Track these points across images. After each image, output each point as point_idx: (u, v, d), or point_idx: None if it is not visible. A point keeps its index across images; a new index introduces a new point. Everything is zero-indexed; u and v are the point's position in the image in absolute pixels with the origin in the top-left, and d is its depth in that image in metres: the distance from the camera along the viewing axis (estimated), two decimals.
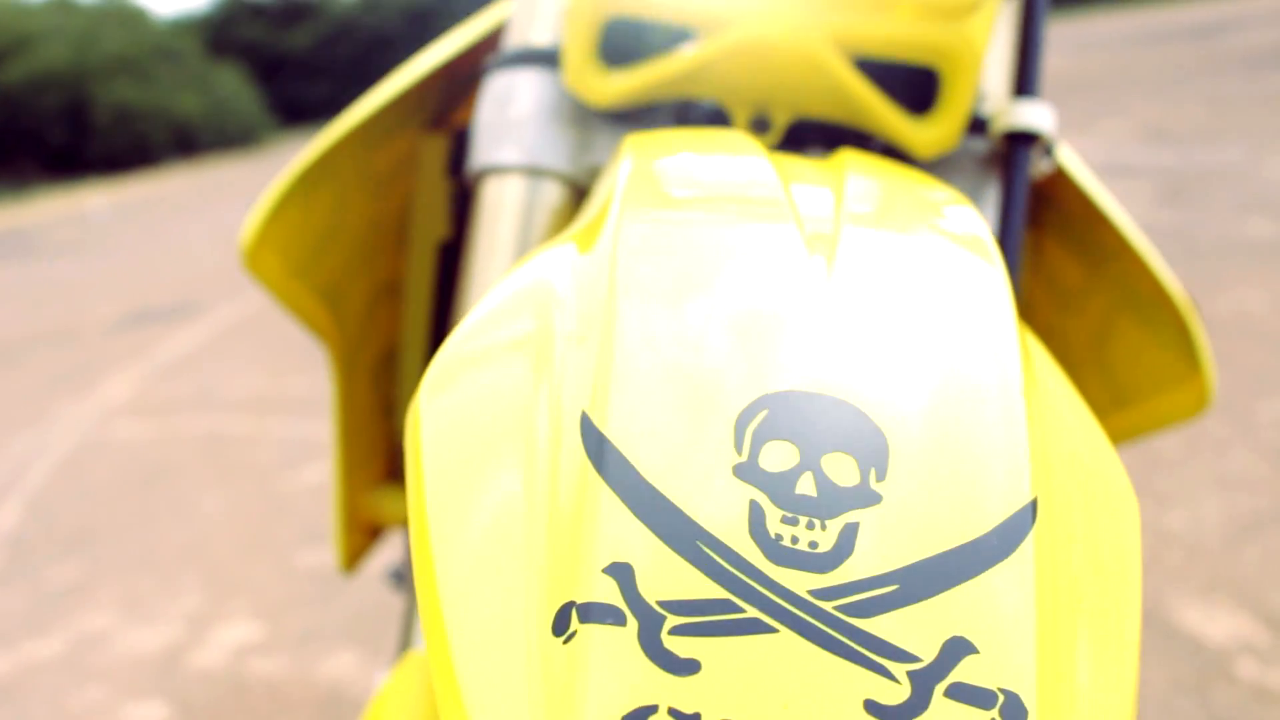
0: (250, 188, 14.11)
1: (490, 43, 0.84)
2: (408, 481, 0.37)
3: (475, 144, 0.72)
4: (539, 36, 0.71)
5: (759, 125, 0.66)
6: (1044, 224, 0.80)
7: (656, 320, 0.38)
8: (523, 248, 0.68)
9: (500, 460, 0.36)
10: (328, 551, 2.63)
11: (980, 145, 0.70)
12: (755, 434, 0.35)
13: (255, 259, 0.81)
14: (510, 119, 0.69)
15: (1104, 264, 0.77)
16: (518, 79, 0.69)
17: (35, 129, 22.32)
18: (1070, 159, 0.75)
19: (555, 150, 0.69)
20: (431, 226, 0.91)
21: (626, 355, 0.37)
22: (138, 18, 26.17)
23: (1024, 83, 0.68)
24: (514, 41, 0.72)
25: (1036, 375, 0.40)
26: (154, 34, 25.52)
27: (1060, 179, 0.75)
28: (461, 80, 0.89)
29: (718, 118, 0.68)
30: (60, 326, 6.21)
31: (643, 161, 0.48)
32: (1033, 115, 0.66)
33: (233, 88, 24.91)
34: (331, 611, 2.34)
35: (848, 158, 0.53)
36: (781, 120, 0.66)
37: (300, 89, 30.39)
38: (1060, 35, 16.04)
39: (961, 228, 0.46)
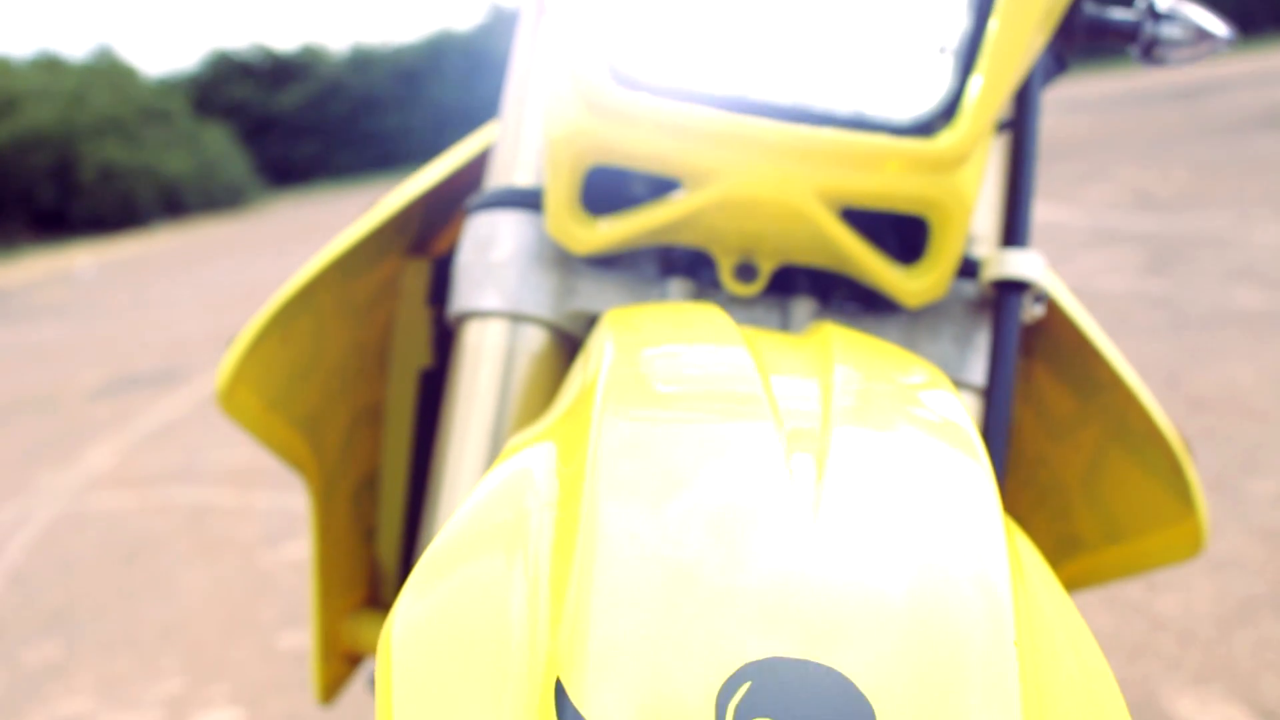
0: (237, 249, 14.15)
1: (474, 169, 0.83)
2: (378, 706, 0.36)
3: (457, 286, 0.71)
4: (521, 177, 0.70)
5: (745, 272, 0.65)
6: (1034, 351, 0.80)
7: (638, 537, 0.37)
8: (504, 392, 0.67)
9: (470, 710, 0.35)
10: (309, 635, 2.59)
11: (970, 289, 0.69)
12: (738, 712, 0.33)
13: (231, 399, 0.80)
14: (492, 262, 0.69)
15: (1095, 395, 0.77)
16: (499, 221, 0.69)
17: (22, 189, 22.34)
18: (1059, 289, 0.75)
19: (537, 295, 0.69)
20: (413, 354, 0.90)
21: (606, 590, 0.36)
22: (126, 76, 26.27)
23: (1014, 232, 0.67)
24: (496, 181, 0.72)
25: (1027, 585, 0.40)
26: (142, 93, 25.62)
27: (1050, 307, 0.75)
28: (443, 206, 0.88)
29: (702, 262, 0.67)
30: (42, 392, 6.17)
31: (623, 352, 0.48)
32: (1024, 264, 0.66)
33: (220, 148, 25.00)
34: (313, 697, 2.30)
35: (832, 337, 0.53)
36: (768, 267, 0.65)
37: (288, 149, 30.58)
38: (1047, 97, 16.23)
39: (945, 420, 0.46)
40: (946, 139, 0.57)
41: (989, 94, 0.57)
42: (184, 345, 7.04)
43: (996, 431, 0.62)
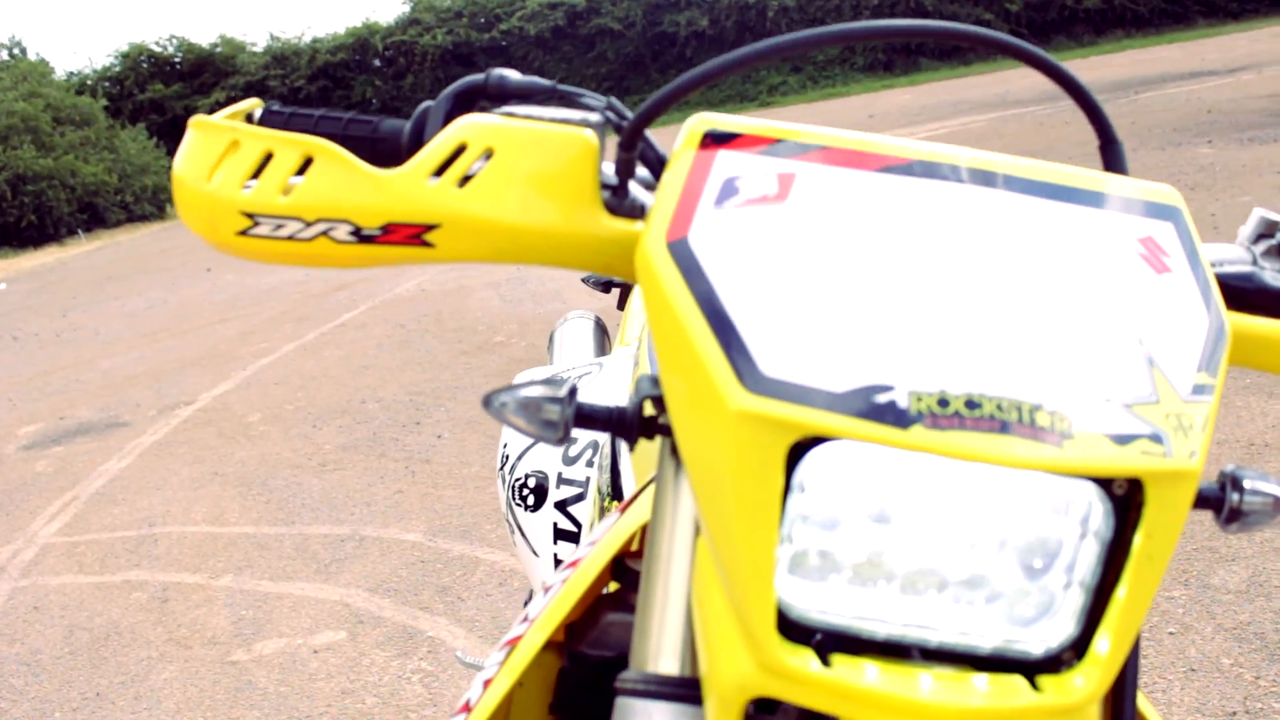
0: (163, 266, 13.80)
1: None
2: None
3: None
4: (668, 665, 0.68)
5: None
6: None
7: None
8: None
9: None
10: None
11: None
12: None
13: None
14: None
15: None
16: (653, 711, 0.66)
17: None
18: None
19: None
20: None
21: None
22: (40, 74, 25.20)
23: None
24: (642, 661, 0.68)
25: None
26: (57, 92, 24.67)
27: None
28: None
29: None
30: None
31: None
32: None
33: (141, 151, 24.27)
34: None
35: None
36: None
37: None
38: (987, 90, 16.51)
39: None
40: (1079, 690, 0.58)
41: (1116, 650, 0.58)
42: (122, 385, 6.85)
43: None
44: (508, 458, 1.49)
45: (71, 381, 7.25)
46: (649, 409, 0.67)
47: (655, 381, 0.67)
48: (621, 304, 1.99)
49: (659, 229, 0.61)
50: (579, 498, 1.39)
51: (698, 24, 27.84)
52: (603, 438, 1.40)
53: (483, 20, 29.88)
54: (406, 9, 31.07)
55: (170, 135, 28.51)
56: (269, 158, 0.69)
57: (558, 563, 1.39)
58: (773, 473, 0.55)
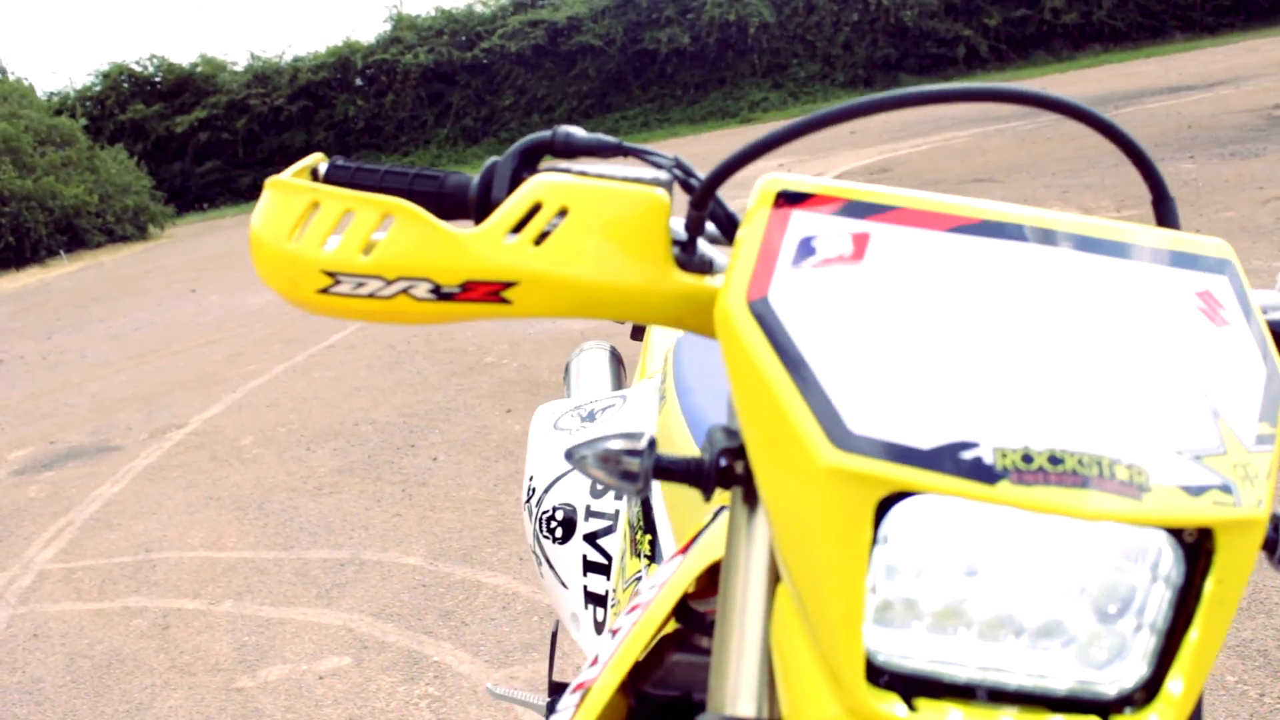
0: (146, 287, 13.74)
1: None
2: None
3: None
4: (745, 708, 0.69)
5: None
6: None
7: None
8: None
9: None
10: None
11: None
12: None
13: None
14: None
15: None
16: None
17: None
18: None
19: None
20: None
21: None
22: (22, 94, 25.07)
23: None
24: (719, 705, 0.70)
25: None
26: (38, 112, 24.52)
27: None
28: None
29: None
30: None
31: None
32: None
33: (121, 171, 24.14)
34: None
35: None
36: None
37: (186, 170, 29.83)
38: (968, 106, 16.61)
39: None
40: None
41: (1190, 690, 0.60)
42: (112, 408, 6.83)
43: None
44: (534, 490, 1.51)
45: (60, 405, 7.22)
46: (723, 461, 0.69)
47: (729, 433, 0.69)
48: (636, 334, 2.00)
49: (739, 288, 0.63)
50: (608, 530, 1.41)
51: (679, 41, 27.94)
52: None
53: (464, 39, 29.90)
54: (387, 28, 31.06)
55: (151, 156, 28.42)
56: (347, 216, 0.71)
57: (588, 595, 1.40)
58: (862, 527, 0.57)
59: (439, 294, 0.71)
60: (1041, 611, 0.61)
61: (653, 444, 0.67)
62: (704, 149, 18.36)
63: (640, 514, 1.30)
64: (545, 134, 0.79)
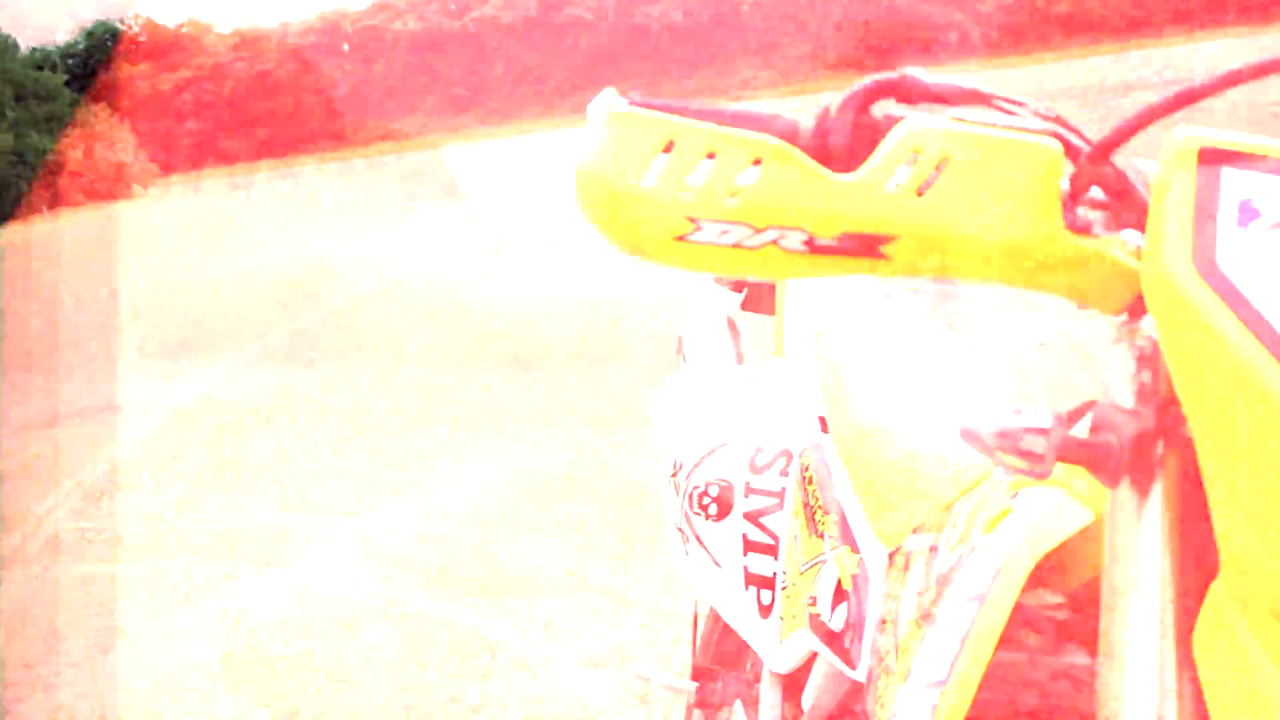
0: (132, 246, 13.57)
1: None
2: None
3: None
4: None
5: None
6: None
7: None
8: None
9: None
10: None
11: None
12: None
13: None
14: None
15: None
16: None
17: None
18: None
19: None
20: None
21: None
22: (2, 50, 24.65)
23: None
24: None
25: None
26: (20, 67, 24.13)
27: None
28: None
29: None
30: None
31: None
32: None
33: (105, 130, 23.84)
34: None
35: None
36: None
37: (171, 130, 29.58)
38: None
39: None
40: None
41: None
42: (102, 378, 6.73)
43: None
44: (681, 464, 1.44)
45: (52, 378, 7.12)
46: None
47: (1122, 413, 0.65)
48: (749, 305, 1.87)
49: (1178, 252, 0.59)
50: (774, 508, 1.34)
51: (671, 16, 27.86)
52: (796, 446, 1.35)
53: (454, 6, 29.72)
54: None
55: (135, 114, 28.13)
56: (709, 157, 0.65)
57: (749, 576, 1.35)
58: None
59: (813, 246, 0.66)
60: None
61: (1059, 420, 0.63)
62: None
63: (817, 492, 1.24)
64: (892, 74, 0.73)
